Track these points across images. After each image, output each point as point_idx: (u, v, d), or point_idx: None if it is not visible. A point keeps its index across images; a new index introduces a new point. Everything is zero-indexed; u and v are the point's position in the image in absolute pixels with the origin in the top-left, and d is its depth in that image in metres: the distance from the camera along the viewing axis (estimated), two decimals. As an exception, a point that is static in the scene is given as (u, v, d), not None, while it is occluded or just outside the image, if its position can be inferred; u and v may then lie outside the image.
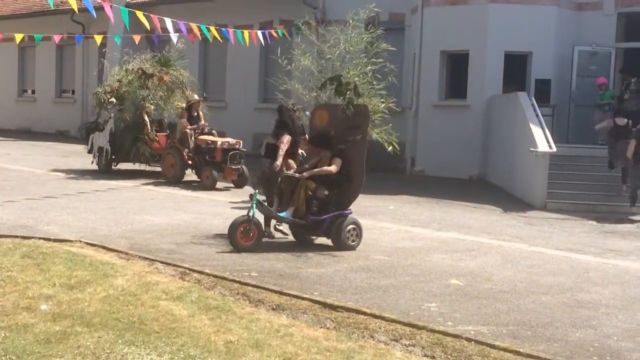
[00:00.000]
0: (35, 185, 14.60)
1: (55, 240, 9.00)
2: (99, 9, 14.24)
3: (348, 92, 9.64)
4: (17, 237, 9.02)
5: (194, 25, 15.42)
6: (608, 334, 6.51)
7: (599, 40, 18.41)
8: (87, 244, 8.96)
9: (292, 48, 11.00)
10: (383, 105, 9.96)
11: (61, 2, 28.03)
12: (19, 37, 16.58)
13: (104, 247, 8.80)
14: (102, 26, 25.72)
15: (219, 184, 15.63)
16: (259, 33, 16.46)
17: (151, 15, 14.27)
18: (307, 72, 10.51)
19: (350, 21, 9.83)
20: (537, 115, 15.77)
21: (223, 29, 16.33)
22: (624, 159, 14.40)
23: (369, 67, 9.81)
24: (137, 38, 16.98)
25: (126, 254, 8.55)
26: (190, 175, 16.61)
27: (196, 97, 17.15)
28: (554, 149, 14.74)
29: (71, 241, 9.06)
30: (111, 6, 14.07)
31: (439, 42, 19.09)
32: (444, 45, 19.13)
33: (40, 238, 9.03)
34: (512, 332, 6.41)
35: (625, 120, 15.31)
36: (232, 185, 15.86)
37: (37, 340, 5.40)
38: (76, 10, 14.07)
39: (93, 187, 14.88)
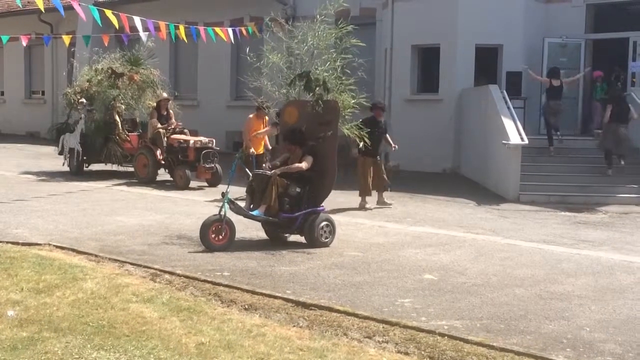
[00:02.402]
0: (4, 188, 14.39)
1: (23, 244, 8.85)
2: (67, 8, 14.05)
3: (317, 88, 9.58)
4: (-17, 242, 8.87)
5: (162, 25, 15.28)
6: (581, 325, 6.51)
7: (568, 32, 18.52)
8: (57, 247, 8.84)
9: (262, 45, 10.93)
10: (353, 101, 9.93)
11: (28, 2, 27.71)
12: (-16, 39, 16.33)
13: (73, 250, 8.67)
14: (70, 26, 25.50)
15: (193, 183, 15.53)
16: (230, 30, 16.36)
17: (120, 14, 14.12)
18: (276, 69, 10.45)
19: (318, 16, 9.77)
20: (508, 108, 15.82)
21: (192, 27, 16.20)
22: (555, 117, 16.46)
23: (338, 63, 9.76)
24: (106, 38, 16.80)
25: (96, 256, 8.43)
26: (163, 175, 16.48)
27: (165, 95, 17.03)
28: (526, 141, 14.79)
29: (40, 244, 8.93)
30: (80, 5, 13.91)
31: (410, 37, 19.10)
32: (415, 39, 19.14)
33: (8, 242, 8.89)
34: (486, 326, 6.40)
35: (560, 81, 16.57)
36: (205, 184, 15.76)
37: (2, 347, 5.29)
38: (42, 9, 13.89)
39: (64, 189, 14.71)
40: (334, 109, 9.68)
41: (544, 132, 17.83)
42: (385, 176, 13.44)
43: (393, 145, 13.80)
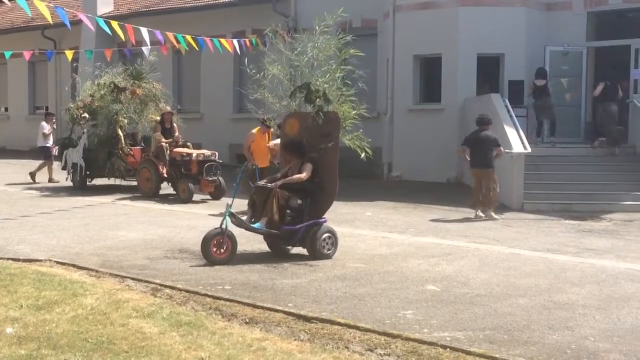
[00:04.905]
0: (7, 204, 14.40)
1: (24, 260, 8.84)
2: (72, 23, 14.14)
3: (318, 100, 9.54)
4: (-17, 259, 8.85)
5: (170, 34, 15.32)
6: (585, 335, 6.44)
7: (570, 40, 18.50)
8: (57, 262, 8.81)
9: (263, 57, 10.93)
10: (354, 112, 9.90)
11: (31, 19, 27.84)
12: (-13, 54, 16.42)
13: (74, 266, 8.64)
14: (73, 41, 25.60)
15: (196, 197, 15.50)
16: (235, 41, 16.44)
17: (126, 25, 14.15)
18: (277, 81, 10.44)
19: (317, 28, 9.76)
20: (511, 116, 15.79)
21: (199, 37, 16.25)
22: (544, 113, 17.45)
23: (338, 74, 9.74)
24: (108, 53, 16.86)
25: (97, 271, 8.40)
26: (166, 188, 16.45)
27: (168, 108, 17.05)
28: (529, 149, 14.75)
29: (41, 260, 8.91)
30: (87, 16, 13.98)
31: (411, 47, 19.10)
32: (416, 49, 19.14)
33: (8, 259, 8.87)
34: (489, 337, 6.33)
35: (544, 81, 17.36)
36: (208, 197, 15.73)
37: (1, 365, 5.26)
38: (50, 20, 13.93)
39: (67, 204, 14.70)
40: (335, 121, 9.64)
41: (548, 140, 17.83)
42: (494, 188, 13.44)
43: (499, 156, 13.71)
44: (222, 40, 16.12)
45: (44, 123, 19.61)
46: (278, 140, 13.36)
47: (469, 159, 13.68)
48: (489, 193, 13.38)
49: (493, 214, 13.36)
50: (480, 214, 13.28)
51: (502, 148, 13.64)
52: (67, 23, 12.95)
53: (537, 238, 11.50)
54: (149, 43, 14.83)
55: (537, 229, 12.43)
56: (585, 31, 18.76)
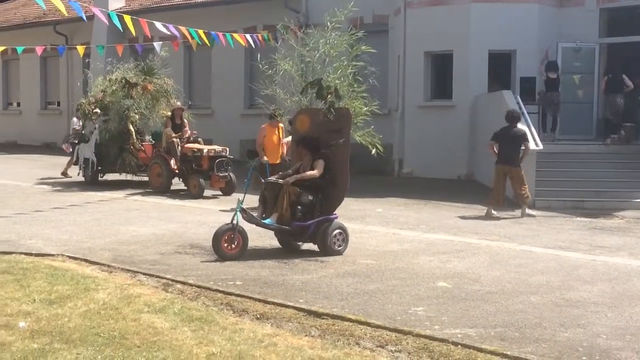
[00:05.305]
0: (19, 199, 14.46)
1: (37, 255, 8.89)
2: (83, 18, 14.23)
3: (329, 96, 9.53)
4: (-3, 252, 8.90)
5: (183, 29, 15.37)
6: (597, 333, 6.42)
7: (582, 37, 18.42)
8: (70, 257, 8.86)
9: (274, 53, 10.93)
10: (365, 109, 9.88)
11: (43, 14, 27.97)
12: (0, 48, 16.50)
13: (86, 261, 8.69)
14: (85, 37, 25.67)
15: (207, 192, 15.51)
16: (248, 36, 16.48)
17: (140, 19, 14.18)
18: (288, 77, 10.43)
19: (329, 24, 9.74)
20: (522, 114, 15.71)
21: (212, 32, 16.28)
22: (551, 107, 17.36)
23: (350, 70, 9.72)
24: (120, 48, 16.91)
25: (109, 266, 8.44)
26: (177, 184, 16.49)
27: (178, 104, 17.08)
28: (541, 146, 14.69)
29: (53, 255, 8.96)
30: (101, 10, 14.04)
31: (422, 43, 19.06)
32: (427, 46, 19.10)
33: (21, 253, 8.93)
34: (500, 334, 6.32)
35: (556, 74, 17.35)
36: (219, 193, 15.75)
37: (13, 359, 5.28)
38: (65, 13, 13.92)
39: (79, 199, 14.75)
40: (346, 117, 9.63)
41: (559, 137, 17.78)
42: (523, 187, 13.32)
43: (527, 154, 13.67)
44: (235, 35, 16.16)
45: (75, 119, 19.76)
46: (290, 138, 13.43)
47: (496, 151, 13.59)
48: (522, 192, 13.30)
49: (529, 210, 13.32)
50: (493, 212, 13.24)
51: (529, 143, 13.62)
52: (83, 16, 13.03)
53: (549, 235, 11.46)
54: (168, 32, 14.89)
55: (549, 226, 12.39)
56: (597, 28, 18.68)
